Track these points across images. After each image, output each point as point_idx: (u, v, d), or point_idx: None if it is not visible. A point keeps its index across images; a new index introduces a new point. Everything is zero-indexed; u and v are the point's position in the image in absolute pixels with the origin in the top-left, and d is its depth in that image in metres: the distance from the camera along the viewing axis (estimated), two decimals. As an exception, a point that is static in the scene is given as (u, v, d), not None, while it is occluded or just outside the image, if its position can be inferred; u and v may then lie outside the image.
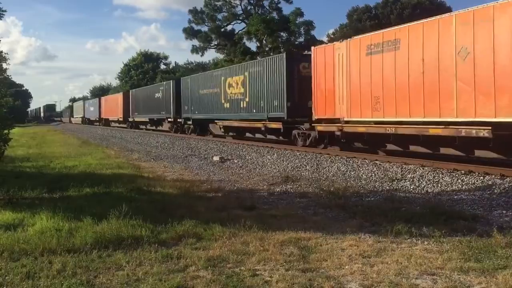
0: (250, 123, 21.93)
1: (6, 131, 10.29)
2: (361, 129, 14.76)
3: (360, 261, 5.22)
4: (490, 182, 9.62)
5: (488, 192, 8.89)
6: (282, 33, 51.26)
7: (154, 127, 38.64)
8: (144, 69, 75.65)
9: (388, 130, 13.53)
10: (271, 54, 45.73)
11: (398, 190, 9.70)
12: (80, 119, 74.95)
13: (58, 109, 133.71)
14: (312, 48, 17.66)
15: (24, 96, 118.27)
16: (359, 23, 48.22)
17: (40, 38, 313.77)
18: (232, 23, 58.57)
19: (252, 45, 56.60)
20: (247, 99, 21.88)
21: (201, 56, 73.44)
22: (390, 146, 14.17)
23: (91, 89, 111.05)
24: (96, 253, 5.51)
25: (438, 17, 12.26)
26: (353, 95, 14.83)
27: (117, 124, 51.58)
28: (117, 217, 6.73)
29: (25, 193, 9.36)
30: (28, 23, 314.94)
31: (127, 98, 46.17)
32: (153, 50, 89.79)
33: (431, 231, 6.18)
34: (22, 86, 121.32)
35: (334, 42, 16.74)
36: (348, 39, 15.50)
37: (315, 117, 16.69)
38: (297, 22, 50.39)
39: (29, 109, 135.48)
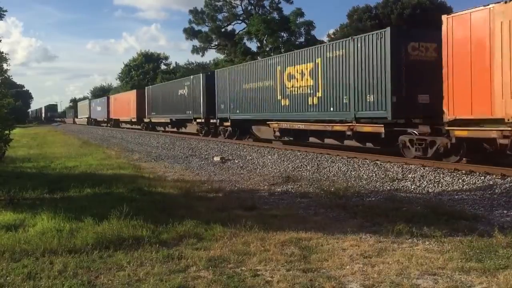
0: (324, 125, 16.71)
1: (7, 132, 10.31)
2: None
3: (361, 261, 5.22)
4: (491, 182, 9.61)
5: (489, 192, 8.88)
6: (282, 33, 51.25)
7: (175, 129, 34.32)
8: (144, 69, 75.68)
9: None
10: (272, 54, 45.76)
11: (399, 190, 9.70)
12: (86, 119, 70.31)
13: (59, 109, 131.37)
14: (444, 17, 12.07)
15: (24, 96, 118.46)
16: (359, 23, 48.19)
17: (41, 39, 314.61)
18: (233, 23, 58.68)
19: (253, 45, 56.72)
20: (319, 94, 16.67)
21: (202, 56, 73.80)
22: None
23: (92, 89, 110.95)
24: (97, 253, 5.51)
25: None
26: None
27: (129, 126, 46.95)
28: (118, 218, 6.74)
29: (26, 194, 9.36)
30: (28, 23, 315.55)
31: (142, 96, 40.94)
32: (153, 51, 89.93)
33: (432, 231, 6.18)
34: (22, 86, 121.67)
35: (491, 5, 10.91)
36: None
37: (449, 117, 11.78)
38: (297, 22, 50.40)
39: (30, 110, 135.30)
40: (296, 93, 18.19)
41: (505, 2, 10.58)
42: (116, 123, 51.85)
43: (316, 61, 16.86)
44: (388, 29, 13.98)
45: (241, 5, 57.36)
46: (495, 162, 11.44)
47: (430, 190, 9.51)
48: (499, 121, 10.74)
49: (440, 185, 9.81)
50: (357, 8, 51.34)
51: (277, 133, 19.97)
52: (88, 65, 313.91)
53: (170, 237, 6.17)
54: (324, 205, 8.21)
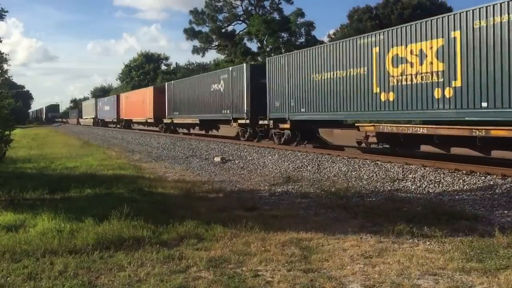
0: (468, 129, 11.56)
1: (7, 132, 10.29)
2: None
3: (361, 261, 5.21)
4: (491, 182, 9.61)
5: (490, 192, 8.88)
6: (283, 34, 51.25)
7: (203, 131, 28.61)
8: (145, 70, 75.69)
9: None
10: (272, 54, 45.77)
11: (399, 190, 9.70)
12: (91, 120, 65.20)
13: (60, 109, 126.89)
14: None
15: (25, 97, 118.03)
16: (360, 23, 48.20)
17: (41, 39, 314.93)
18: (233, 24, 58.67)
19: (253, 46, 56.69)
20: (456, 83, 11.86)
21: (202, 56, 73.87)
22: None
23: (92, 90, 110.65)
24: (98, 254, 5.51)
25: None
26: None
27: (143, 127, 41.42)
28: (118, 218, 6.74)
29: (26, 194, 9.36)
30: (29, 24, 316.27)
31: (160, 93, 35.59)
32: (154, 51, 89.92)
33: (433, 231, 6.18)
34: (23, 87, 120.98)
35: None
36: None
37: None
38: (297, 22, 50.40)
39: (30, 110, 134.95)
40: (408, 83, 13.23)
41: None
42: (128, 124, 46.66)
43: (451, 36, 11.97)
44: None
45: (241, 5, 57.40)
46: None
47: (430, 190, 9.50)
48: None
49: (440, 185, 9.80)
50: (358, 9, 51.37)
51: (372, 139, 14.67)
52: (88, 66, 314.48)
53: (170, 238, 6.17)
54: (325, 206, 8.21)
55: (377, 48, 14.44)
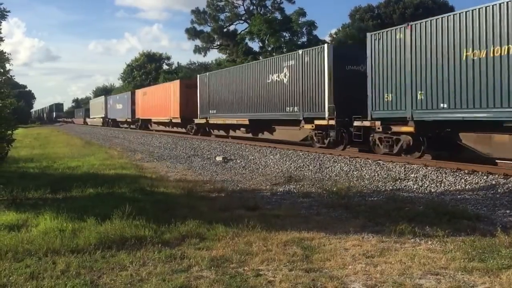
0: None
1: (9, 132, 10.32)
2: None
3: (363, 261, 5.21)
4: (493, 182, 9.60)
5: (492, 192, 8.87)
6: (284, 33, 51.22)
7: (251, 134, 22.90)
8: (146, 69, 75.76)
9: None
10: (274, 54, 45.75)
11: (401, 189, 9.69)
12: (100, 120, 59.33)
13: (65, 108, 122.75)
14: None
15: (27, 97, 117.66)
16: (361, 22, 48.17)
17: (43, 39, 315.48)
18: (235, 23, 58.69)
19: (255, 45, 56.71)
20: None
21: (204, 56, 73.63)
22: None
23: (94, 89, 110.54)
24: (100, 253, 5.52)
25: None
26: None
27: (165, 128, 35.69)
28: (120, 218, 6.75)
29: (28, 194, 9.38)
30: (31, 24, 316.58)
31: (188, 88, 30.43)
32: (155, 51, 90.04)
33: (435, 231, 6.18)
34: (25, 87, 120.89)
35: None
36: None
37: None
38: (299, 22, 50.37)
39: (32, 110, 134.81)
40: None
41: None
42: (145, 125, 41.10)
43: None
44: None
45: (243, 5, 57.42)
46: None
47: (432, 190, 9.49)
48: None
49: (442, 185, 9.79)
50: (359, 8, 51.41)
51: None
52: (90, 66, 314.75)
53: (172, 237, 6.17)
54: (326, 205, 8.21)
55: None
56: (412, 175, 10.86)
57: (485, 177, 10.04)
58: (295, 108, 18.54)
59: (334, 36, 51.47)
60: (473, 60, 11.46)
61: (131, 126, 44.91)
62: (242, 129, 23.56)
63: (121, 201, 7.82)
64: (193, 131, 29.76)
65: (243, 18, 57.91)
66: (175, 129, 33.60)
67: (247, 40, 54.88)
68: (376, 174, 11.47)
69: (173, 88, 32.65)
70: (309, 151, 16.33)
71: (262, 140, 21.63)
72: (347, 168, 12.50)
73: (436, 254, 5.34)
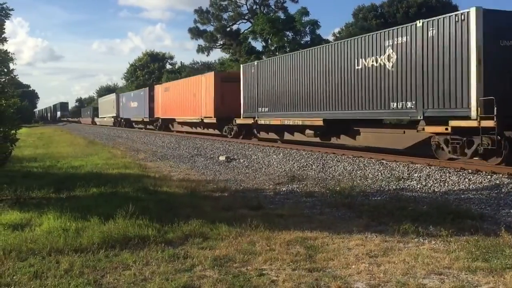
0: None
1: (13, 132, 10.34)
2: None
3: (367, 260, 5.20)
4: (497, 181, 9.56)
5: (496, 191, 8.84)
6: (287, 33, 51.17)
7: (318, 138, 17.61)
8: (150, 69, 75.85)
9: None
10: (277, 53, 45.66)
11: (404, 189, 9.67)
12: (111, 119, 54.80)
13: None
14: None
15: (31, 96, 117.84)
16: (364, 22, 48.10)
17: (47, 39, 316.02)
18: (238, 23, 58.69)
19: (258, 45, 56.74)
20: None
21: (207, 55, 73.62)
22: None
23: (98, 89, 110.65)
24: (103, 252, 5.53)
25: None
26: None
27: (193, 129, 30.15)
28: (123, 217, 6.76)
29: (32, 193, 9.40)
30: (34, 24, 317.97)
31: (225, 82, 25.37)
32: (158, 50, 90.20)
33: (438, 230, 6.16)
34: (28, 86, 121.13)
35: None
36: None
37: None
38: (302, 21, 50.31)
39: (36, 110, 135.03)
40: None
41: None
42: (166, 125, 35.95)
43: None
44: None
45: (246, 4, 57.43)
46: None
47: (436, 190, 9.47)
48: None
49: (446, 184, 9.76)
50: (363, 7, 51.33)
51: None
52: (93, 65, 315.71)
53: (175, 237, 6.18)
54: (330, 205, 8.20)
55: None
56: (416, 175, 10.83)
57: (489, 176, 10.01)
58: (408, 103, 13.29)
59: (337, 35, 51.44)
60: None
61: (148, 127, 40.37)
62: (308, 131, 17.85)
63: (124, 201, 7.84)
64: (232, 133, 24.64)
65: (246, 18, 57.94)
66: (206, 130, 28.18)
67: (250, 40, 54.89)
68: (379, 173, 11.45)
69: (205, 82, 27.06)
70: (313, 150, 16.27)
71: (335, 147, 16.78)
72: (350, 168, 12.48)
73: (439, 254, 5.33)
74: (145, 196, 9.09)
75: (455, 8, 43.19)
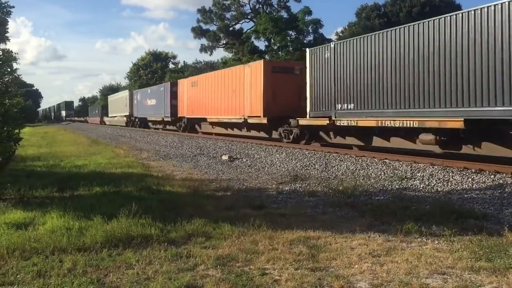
0: None
1: (16, 131, 10.36)
2: None
3: (369, 260, 5.20)
4: (501, 181, 9.54)
5: (499, 191, 8.81)
6: (290, 32, 51.17)
7: (439, 147, 12.78)
8: (153, 68, 75.99)
9: None
10: (280, 53, 45.65)
11: (407, 189, 9.65)
12: (123, 119, 49.15)
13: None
14: None
15: (34, 96, 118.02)
16: (367, 21, 48.05)
17: (50, 38, 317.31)
18: (241, 22, 58.80)
19: (261, 44, 56.77)
20: None
21: (210, 55, 73.75)
22: None
23: (101, 88, 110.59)
24: (106, 251, 5.54)
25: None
26: None
27: (229, 130, 25.54)
28: (126, 216, 6.77)
29: (35, 192, 9.43)
30: (38, 23, 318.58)
31: (276, 73, 20.68)
32: (161, 50, 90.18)
33: (441, 230, 6.15)
34: (32, 86, 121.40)
35: None
36: None
37: None
38: (305, 20, 50.29)
39: (40, 109, 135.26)
40: None
41: None
42: (191, 125, 30.87)
43: None
44: None
45: (249, 3, 57.51)
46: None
47: (439, 189, 9.45)
48: None
49: (449, 184, 9.74)
50: (366, 6, 51.29)
51: None
52: (97, 65, 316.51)
53: (178, 236, 6.19)
54: (333, 204, 8.19)
55: None
56: (419, 174, 10.81)
57: (492, 176, 9.98)
58: None
59: (341, 34, 51.40)
60: None
61: (168, 127, 34.95)
62: (425, 137, 12.79)
63: (127, 200, 7.85)
64: (290, 137, 19.55)
65: (249, 17, 58.03)
66: (249, 133, 23.08)
67: (253, 39, 54.92)
68: (382, 173, 11.43)
69: (249, 73, 21.85)
70: (315, 149, 16.24)
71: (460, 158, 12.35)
72: (353, 167, 12.46)
73: (443, 254, 5.32)
74: (148, 196, 9.09)
75: (458, 7, 43.09)
